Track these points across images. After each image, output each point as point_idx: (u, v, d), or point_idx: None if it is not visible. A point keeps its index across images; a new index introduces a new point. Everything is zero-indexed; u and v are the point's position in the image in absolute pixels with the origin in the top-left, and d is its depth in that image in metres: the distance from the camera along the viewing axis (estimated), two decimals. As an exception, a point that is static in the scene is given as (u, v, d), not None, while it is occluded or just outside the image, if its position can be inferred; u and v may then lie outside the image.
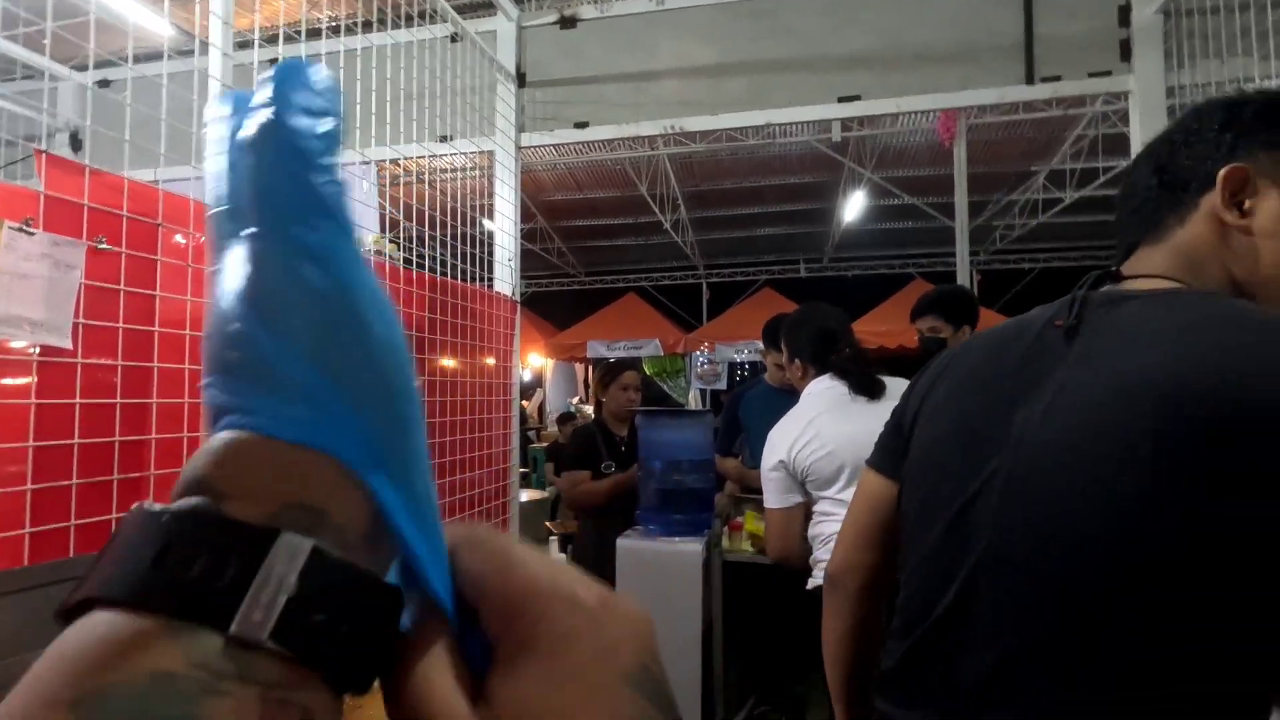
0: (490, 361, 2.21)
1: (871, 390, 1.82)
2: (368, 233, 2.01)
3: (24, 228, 0.97)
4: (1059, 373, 0.67)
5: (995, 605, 0.67)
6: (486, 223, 2.45)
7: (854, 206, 7.55)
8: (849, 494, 1.70)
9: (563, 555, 2.62)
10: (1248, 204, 0.69)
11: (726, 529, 2.23)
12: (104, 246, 1.07)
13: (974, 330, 2.47)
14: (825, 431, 1.81)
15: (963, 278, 5.71)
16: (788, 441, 1.81)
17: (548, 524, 5.03)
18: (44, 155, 1.01)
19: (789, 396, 2.61)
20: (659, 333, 9.05)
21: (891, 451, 0.89)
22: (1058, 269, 9.58)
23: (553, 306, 10.61)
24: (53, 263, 1.00)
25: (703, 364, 8.73)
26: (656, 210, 7.96)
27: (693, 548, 2.14)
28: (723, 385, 8.85)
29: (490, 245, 2.35)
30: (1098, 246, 9.49)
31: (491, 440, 2.20)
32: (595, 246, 10.43)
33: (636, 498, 2.35)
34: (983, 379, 0.76)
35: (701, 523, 2.21)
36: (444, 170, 3.62)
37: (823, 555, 1.74)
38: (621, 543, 2.20)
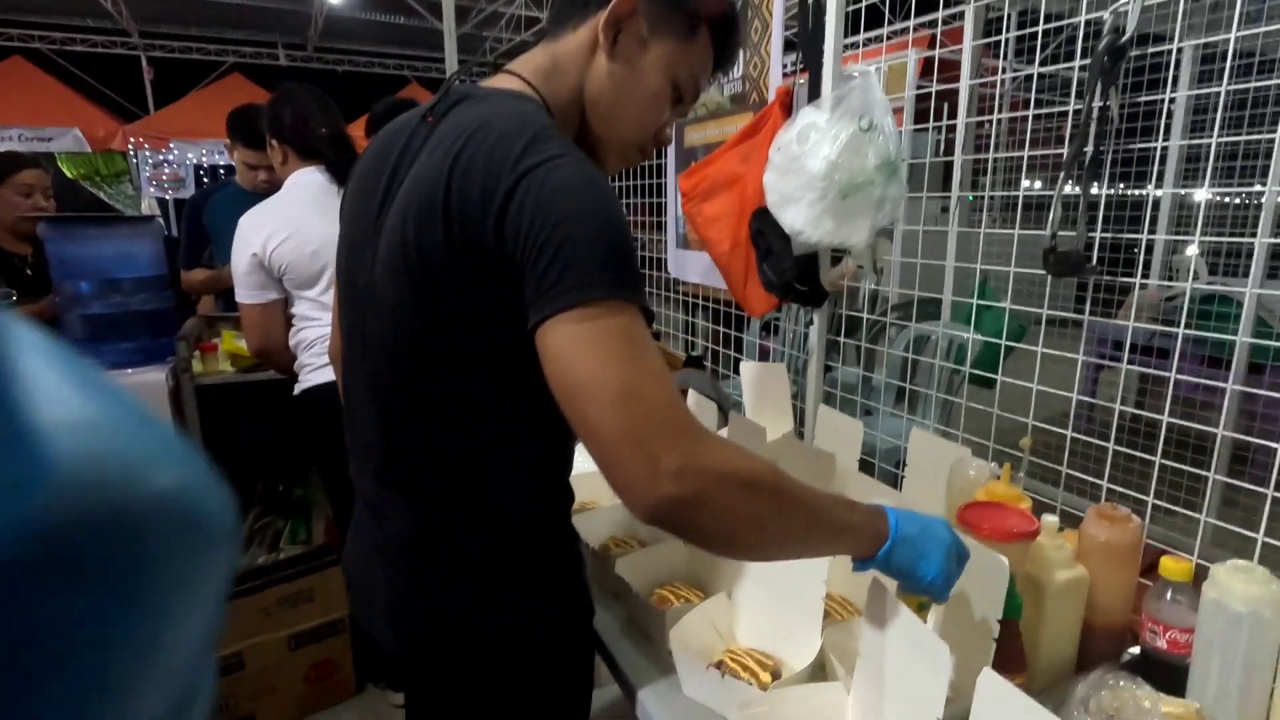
0: None
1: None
2: None
3: None
4: (413, 167, 0.73)
5: (364, 395, 0.80)
6: None
7: (337, -14, 6.64)
8: (329, 297, 1.70)
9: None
10: (622, 36, 0.76)
11: (199, 353, 1.99)
12: None
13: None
14: (306, 227, 1.70)
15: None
16: (263, 235, 1.65)
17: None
18: None
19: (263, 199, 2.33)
20: (79, 119, 6.73)
21: (338, 256, 0.90)
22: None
23: None
24: None
25: (159, 165, 6.97)
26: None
27: (153, 377, 1.86)
28: (189, 192, 7.30)
29: None
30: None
31: None
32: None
33: (56, 331, 1.87)
34: (369, 175, 0.80)
35: (161, 349, 1.91)
36: None
37: (306, 361, 1.73)
38: (45, 385, 1.76)
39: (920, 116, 2.50)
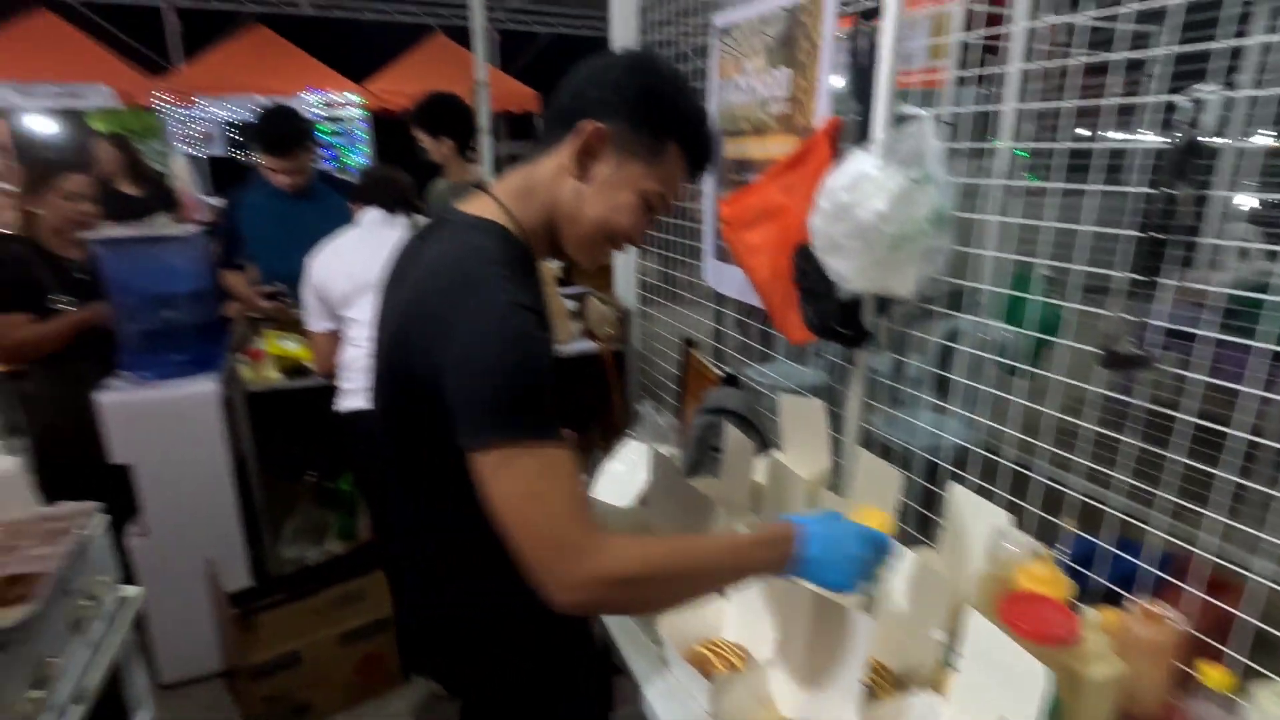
0: None
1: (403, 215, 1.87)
2: None
3: None
4: (406, 280, 0.84)
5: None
6: None
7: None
8: (353, 313, 1.76)
9: None
10: (590, 161, 0.82)
11: (248, 359, 2.05)
12: None
13: (457, 143, 2.54)
14: (346, 254, 1.78)
15: (478, 34, 5.53)
16: (320, 266, 1.77)
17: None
18: None
19: (293, 201, 2.36)
20: (109, 75, 6.71)
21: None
22: (568, 36, 10.13)
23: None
24: None
25: (187, 122, 6.95)
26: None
27: (205, 388, 1.93)
28: (219, 150, 7.31)
29: None
30: (596, 17, 10.27)
31: None
32: (-47, -77, 6.70)
33: (110, 337, 1.94)
34: (390, 282, 0.91)
35: (211, 358, 1.97)
36: None
37: (343, 384, 1.81)
38: (105, 398, 1.83)
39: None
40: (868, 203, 1.25)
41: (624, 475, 1.70)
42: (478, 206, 0.85)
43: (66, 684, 1.06)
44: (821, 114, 1.52)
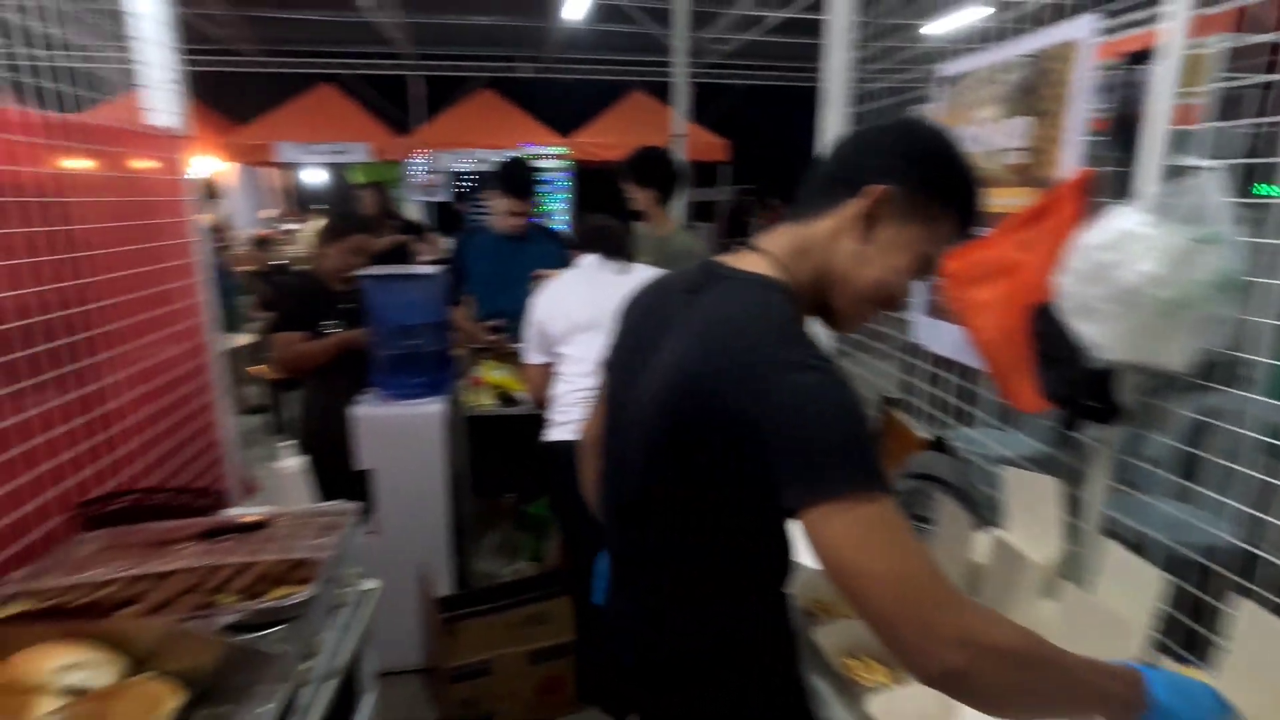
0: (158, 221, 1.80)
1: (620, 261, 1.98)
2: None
3: None
4: (670, 334, 0.85)
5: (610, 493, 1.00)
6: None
7: (577, 3, 7.07)
8: (567, 349, 1.90)
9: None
10: (872, 223, 0.82)
11: (469, 384, 2.28)
12: None
13: (661, 193, 2.63)
14: (565, 295, 1.92)
15: (680, 90, 5.82)
16: (541, 304, 1.92)
17: (249, 369, 4.54)
18: None
19: (515, 243, 2.63)
20: (368, 134, 7.96)
21: (605, 359, 1.08)
22: (764, 87, 10.33)
23: (222, 93, 8.52)
24: None
25: (422, 173, 8.01)
26: (348, -22, 6.59)
27: (433, 409, 2.16)
28: (444, 197, 8.30)
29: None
30: (797, 68, 10.36)
31: (175, 315, 1.86)
32: (271, 18, 8.40)
33: (365, 357, 2.25)
34: (639, 325, 0.96)
35: (441, 383, 2.22)
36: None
37: (552, 416, 1.93)
38: (359, 411, 2.13)
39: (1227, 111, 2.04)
40: (1134, 264, 1.12)
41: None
42: (753, 263, 0.87)
43: (324, 660, 1.22)
44: (1069, 165, 1.40)
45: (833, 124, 1.94)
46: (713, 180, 9.62)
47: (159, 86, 1.89)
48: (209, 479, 1.94)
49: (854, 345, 2.29)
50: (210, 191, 8.41)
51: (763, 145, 9.57)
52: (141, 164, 1.76)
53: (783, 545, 0.93)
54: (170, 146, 1.86)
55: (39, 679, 0.76)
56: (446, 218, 7.76)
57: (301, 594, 1.07)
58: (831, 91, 1.93)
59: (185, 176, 1.91)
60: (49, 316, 1.37)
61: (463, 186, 8.27)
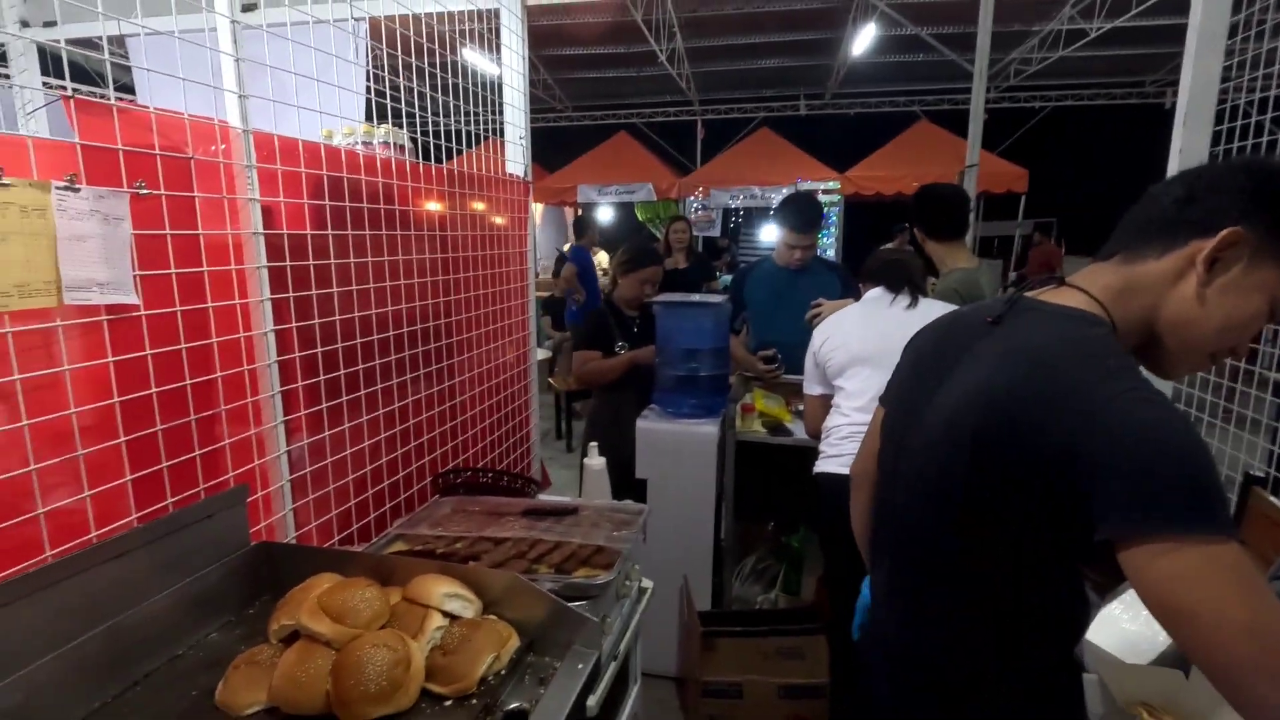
0: (505, 250, 2.19)
1: (907, 295, 1.92)
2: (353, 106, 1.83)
3: (70, 184, 0.93)
4: (966, 363, 0.86)
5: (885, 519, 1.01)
6: (488, 68, 2.21)
7: (864, 38, 7.00)
8: (843, 382, 1.87)
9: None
10: (1219, 265, 0.78)
11: (740, 410, 2.37)
12: (144, 191, 1.03)
13: (952, 237, 2.41)
14: (846, 327, 1.91)
15: (976, 117, 5.37)
16: (822, 336, 1.94)
17: (550, 379, 5.22)
18: (72, 100, 0.94)
19: (793, 274, 2.67)
20: (652, 176, 8.73)
21: (886, 390, 1.09)
22: (1069, 108, 9.16)
23: (537, 146, 10.02)
24: (101, 218, 0.97)
25: (697, 210, 8.53)
26: (650, 38, 7.35)
27: (708, 430, 2.29)
28: (716, 231, 8.72)
29: (490, 98, 2.17)
30: (1114, 84, 9.00)
31: (511, 328, 2.24)
32: (584, 79, 9.70)
33: (651, 374, 2.45)
34: (924, 360, 0.97)
35: (716, 406, 2.33)
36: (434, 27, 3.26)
37: (824, 448, 1.91)
38: (641, 424, 2.33)
39: None
40: None
41: (1127, 622, 1.38)
42: (1067, 298, 0.85)
43: (610, 642, 1.35)
44: None
45: (1191, 147, 1.66)
46: (1010, 212, 8.74)
47: (514, 141, 2.32)
48: (520, 467, 2.28)
49: (1208, 409, 1.90)
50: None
51: (1062, 170, 8.48)
52: (501, 204, 2.16)
53: (1074, 592, 0.86)
54: (521, 190, 2.27)
55: (433, 600, 0.97)
56: (712, 252, 8.15)
57: (605, 576, 1.21)
58: (1191, 108, 1.65)
59: (527, 214, 2.30)
60: (427, 325, 1.75)
61: (734, 220, 8.63)
